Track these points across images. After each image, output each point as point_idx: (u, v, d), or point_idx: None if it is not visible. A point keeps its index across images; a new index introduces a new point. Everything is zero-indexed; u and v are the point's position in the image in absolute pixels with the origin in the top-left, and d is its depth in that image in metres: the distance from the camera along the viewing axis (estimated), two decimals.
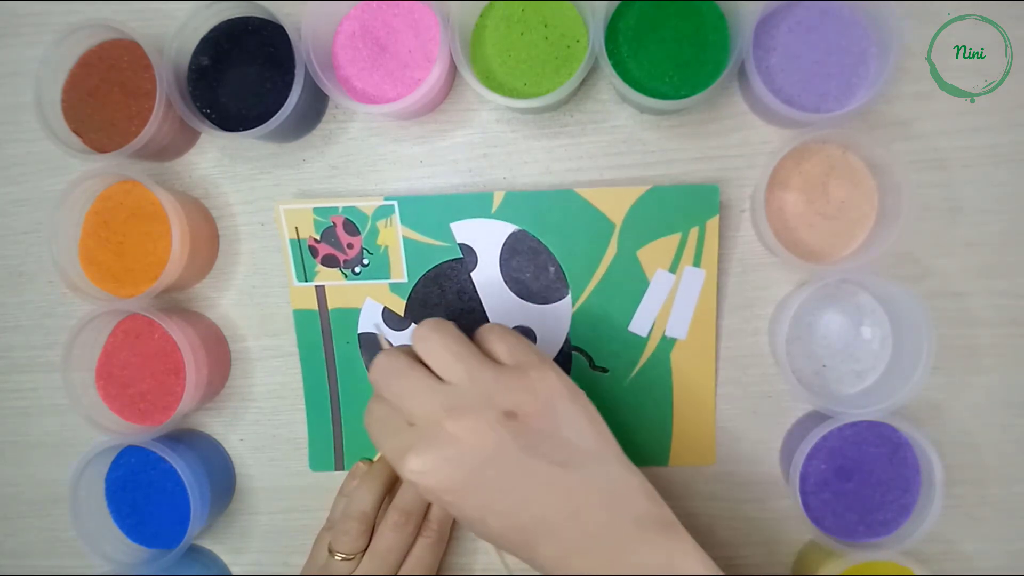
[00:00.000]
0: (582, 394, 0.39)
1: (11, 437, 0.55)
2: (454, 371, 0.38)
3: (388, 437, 0.38)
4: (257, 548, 0.54)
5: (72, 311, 0.54)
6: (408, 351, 0.39)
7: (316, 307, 0.51)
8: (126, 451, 0.51)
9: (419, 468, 0.36)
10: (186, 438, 0.52)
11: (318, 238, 0.50)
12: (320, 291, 0.51)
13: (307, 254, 0.50)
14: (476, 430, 0.36)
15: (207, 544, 0.55)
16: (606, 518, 0.36)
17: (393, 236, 0.50)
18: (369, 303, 0.51)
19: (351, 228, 0.50)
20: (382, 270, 0.50)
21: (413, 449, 0.36)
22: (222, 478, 0.53)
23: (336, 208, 0.50)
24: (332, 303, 0.51)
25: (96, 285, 0.50)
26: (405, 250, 0.50)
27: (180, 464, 0.48)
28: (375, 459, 0.52)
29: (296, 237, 0.50)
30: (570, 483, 0.36)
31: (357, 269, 0.50)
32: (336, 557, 0.45)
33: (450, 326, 0.39)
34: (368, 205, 0.50)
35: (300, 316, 0.51)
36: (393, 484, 0.49)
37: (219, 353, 0.52)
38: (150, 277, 0.49)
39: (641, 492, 0.37)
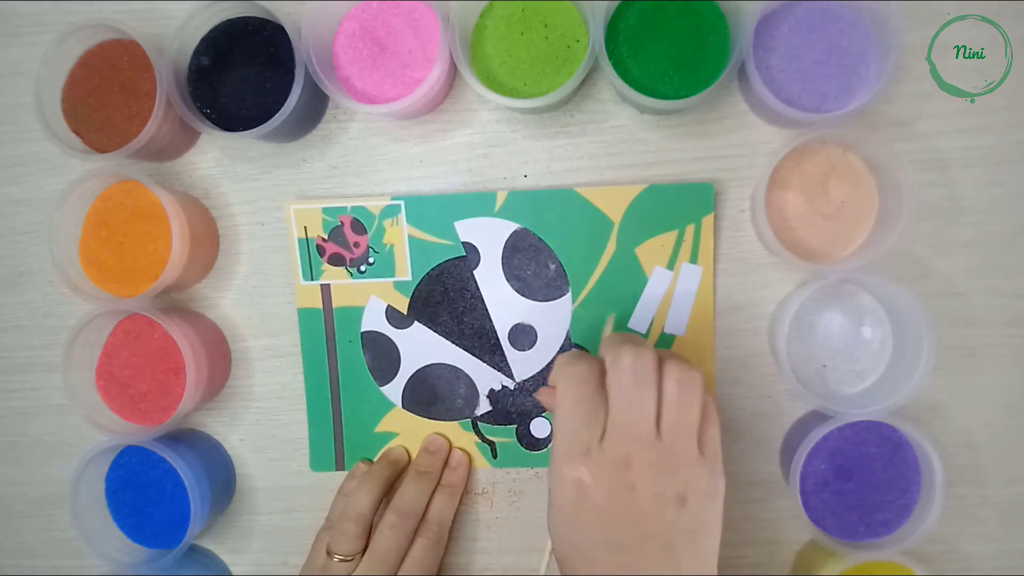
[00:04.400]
0: None
1: (11, 437, 0.55)
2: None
3: (578, 416, 0.36)
4: (257, 548, 0.54)
5: (72, 311, 0.54)
6: (656, 358, 0.37)
7: (320, 305, 0.51)
8: (126, 451, 0.51)
9: (578, 477, 0.35)
10: (186, 438, 0.52)
11: (326, 237, 0.51)
12: (325, 289, 0.51)
13: (314, 253, 0.51)
14: (651, 495, 0.35)
15: (207, 544, 0.54)
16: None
17: (399, 235, 0.50)
18: (373, 301, 0.51)
19: (358, 227, 0.50)
20: (387, 268, 0.50)
21: (590, 460, 0.35)
22: (222, 478, 0.53)
23: (345, 208, 0.50)
24: (336, 302, 0.51)
25: (96, 285, 0.50)
26: (410, 249, 0.50)
27: (180, 464, 0.48)
28: (375, 459, 0.52)
29: (304, 236, 0.51)
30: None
31: (363, 267, 0.51)
32: (334, 558, 0.45)
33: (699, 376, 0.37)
34: (375, 204, 0.50)
35: (304, 315, 0.51)
36: (391, 485, 0.49)
37: (219, 353, 0.52)
38: (150, 277, 0.49)
39: None
